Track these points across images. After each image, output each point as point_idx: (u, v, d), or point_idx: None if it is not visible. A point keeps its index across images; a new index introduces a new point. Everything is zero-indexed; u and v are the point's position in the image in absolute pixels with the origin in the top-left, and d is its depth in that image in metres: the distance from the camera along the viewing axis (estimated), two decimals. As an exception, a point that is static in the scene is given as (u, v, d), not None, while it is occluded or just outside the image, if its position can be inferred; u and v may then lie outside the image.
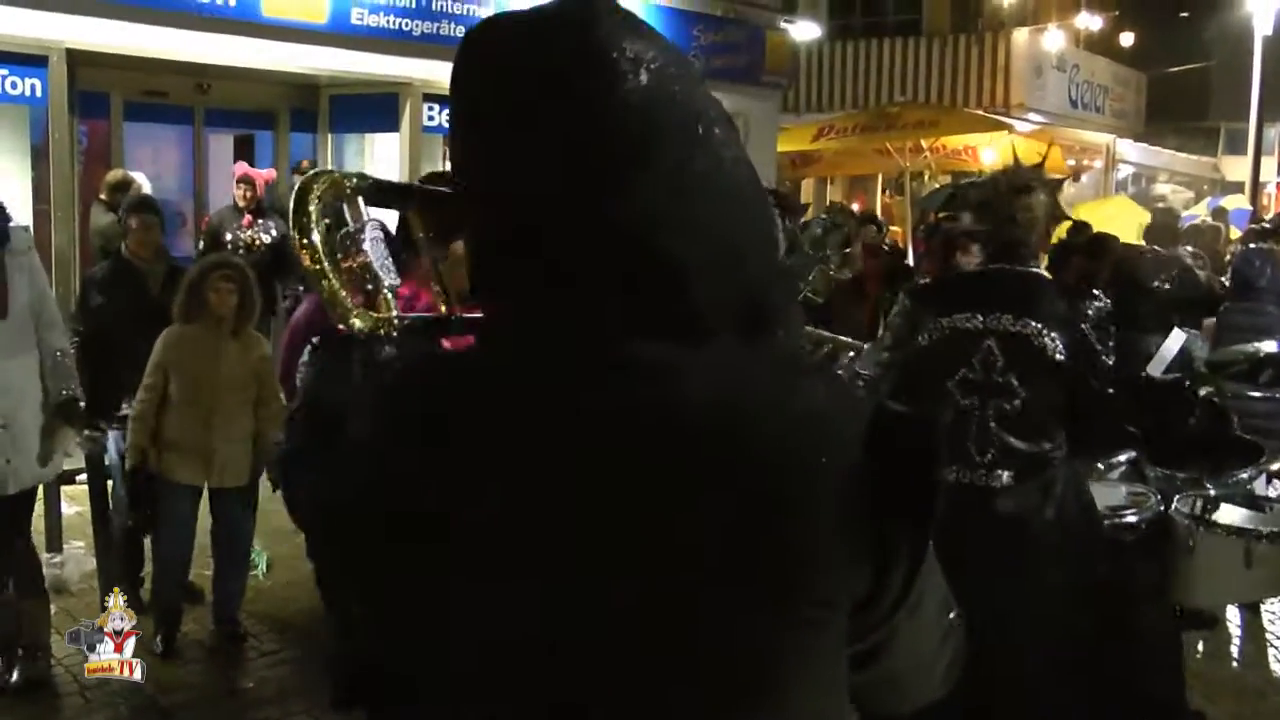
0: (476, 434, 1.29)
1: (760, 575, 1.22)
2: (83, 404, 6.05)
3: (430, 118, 13.61)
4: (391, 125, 13.57)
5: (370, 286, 1.95)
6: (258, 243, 10.79)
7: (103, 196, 10.75)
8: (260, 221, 10.89)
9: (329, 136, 13.98)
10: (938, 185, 21.38)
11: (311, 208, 1.74)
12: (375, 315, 1.65)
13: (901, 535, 1.28)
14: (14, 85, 10.94)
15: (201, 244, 11.05)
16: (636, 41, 1.31)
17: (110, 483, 6.88)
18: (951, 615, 1.48)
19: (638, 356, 1.26)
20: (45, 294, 6.01)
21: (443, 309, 2.08)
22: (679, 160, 1.29)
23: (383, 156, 14.10)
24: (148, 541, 6.82)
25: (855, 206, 18.68)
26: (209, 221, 11.27)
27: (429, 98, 13.49)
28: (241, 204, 10.95)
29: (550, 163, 1.28)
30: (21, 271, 5.83)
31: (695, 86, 1.35)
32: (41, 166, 11.30)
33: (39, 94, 11.06)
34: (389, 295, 1.98)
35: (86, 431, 6.43)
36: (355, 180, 1.78)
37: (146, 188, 11.14)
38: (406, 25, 12.78)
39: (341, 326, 1.74)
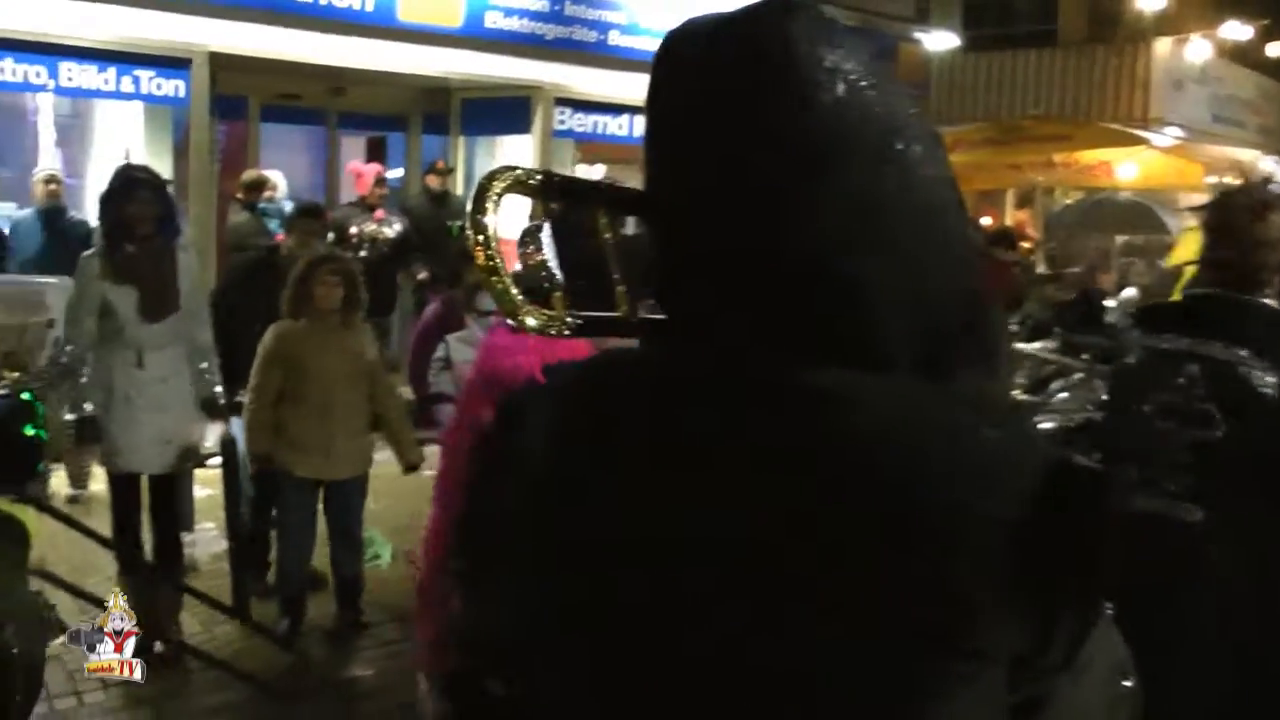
0: (645, 443, 1.26)
1: (916, 622, 1.15)
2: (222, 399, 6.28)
3: (561, 121, 13.70)
4: (522, 128, 13.67)
5: (545, 284, 1.94)
6: (381, 237, 10.95)
7: (239, 195, 11.02)
8: (385, 216, 11.06)
9: (460, 139, 14.14)
10: (1069, 201, 21.01)
11: (490, 203, 1.74)
12: (547, 313, 1.64)
13: (1069, 595, 1.20)
14: (159, 87, 11.27)
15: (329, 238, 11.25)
16: (835, 51, 1.24)
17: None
18: (1127, 683, 1.38)
19: (811, 384, 1.20)
20: (198, 289, 6.27)
21: (622, 310, 2.07)
22: (868, 179, 1.22)
23: (513, 160, 14.20)
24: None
25: (986, 221, 18.39)
26: (333, 217, 11.48)
27: (560, 101, 13.58)
28: (373, 200, 11.14)
29: (731, 176, 1.23)
30: (185, 268, 6.07)
31: (895, 101, 1.28)
32: (182, 165, 11.58)
33: (182, 95, 11.37)
34: (562, 294, 1.97)
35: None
36: (539, 176, 1.78)
37: (283, 187, 11.39)
38: (539, 29, 12.86)
39: (510, 324, 1.72)
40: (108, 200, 6.13)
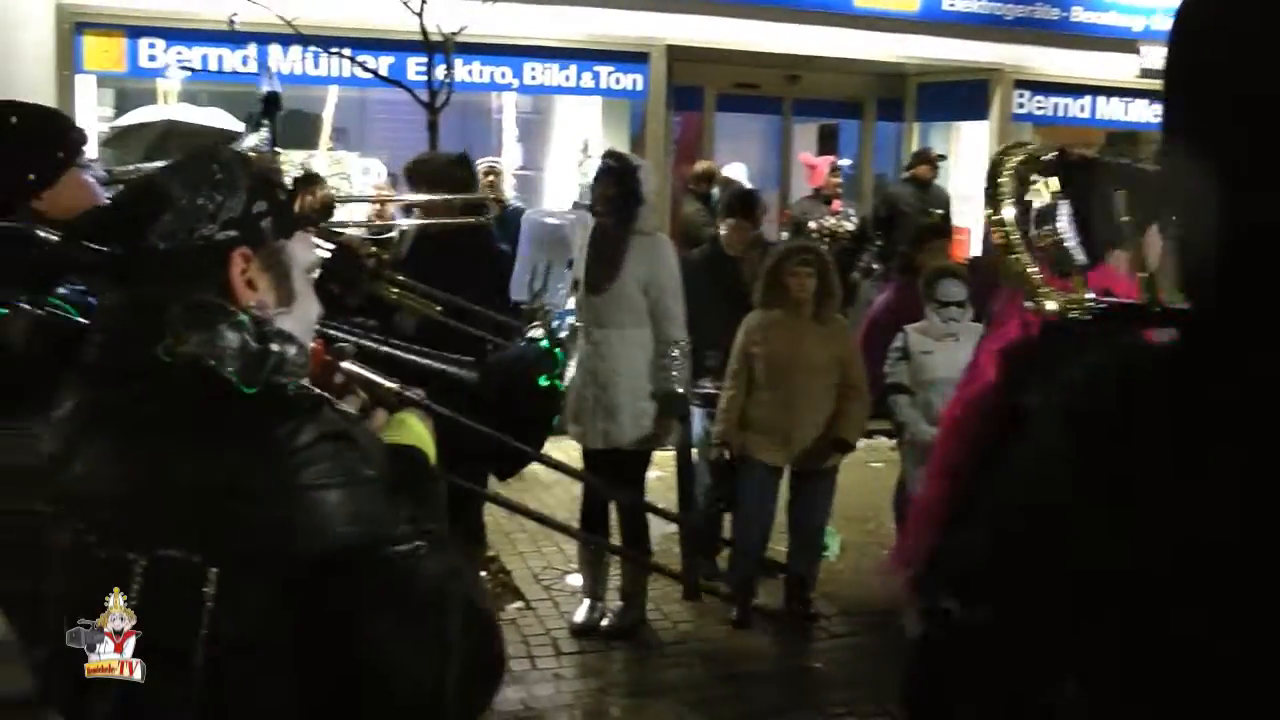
0: (1188, 444, 1.10)
1: None
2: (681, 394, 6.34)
3: (1020, 105, 13.20)
4: (980, 113, 13.26)
5: (1061, 267, 1.81)
6: (840, 231, 10.88)
7: (690, 186, 11.23)
8: (843, 209, 11.00)
9: (915, 125, 13.88)
10: None
11: (1004, 182, 1.60)
12: (1066, 296, 1.48)
13: None
14: (618, 81, 11.63)
15: (784, 234, 11.27)
16: None
17: (694, 452, 7.10)
18: None
19: None
20: (663, 283, 6.26)
21: (1146, 297, 1.87)
22: None
23: (969, 145, 13.84)
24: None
25: None
26: (789, 214, 11.48)
27: (1020, 84, 13.09)
28: (828, 192, 11.10)
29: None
30: (642, 251, 6.19)
31: None
32: (637, 156, 11.90)
33: (640, 88, 11.68)
34: (1081, 277, 1.82)
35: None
36: (1049, 155, 1.63)
37: (742, 179, 11.51)
38: (999, 9, 12.45)
39: (1029, 306, 1.58)
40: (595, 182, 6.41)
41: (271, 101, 4.49)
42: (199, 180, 1.78)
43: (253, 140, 4.46)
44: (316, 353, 2.06)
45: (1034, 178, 1.88)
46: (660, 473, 7.33)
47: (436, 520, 1.94)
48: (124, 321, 1.79)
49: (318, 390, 1.86)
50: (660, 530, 7.40)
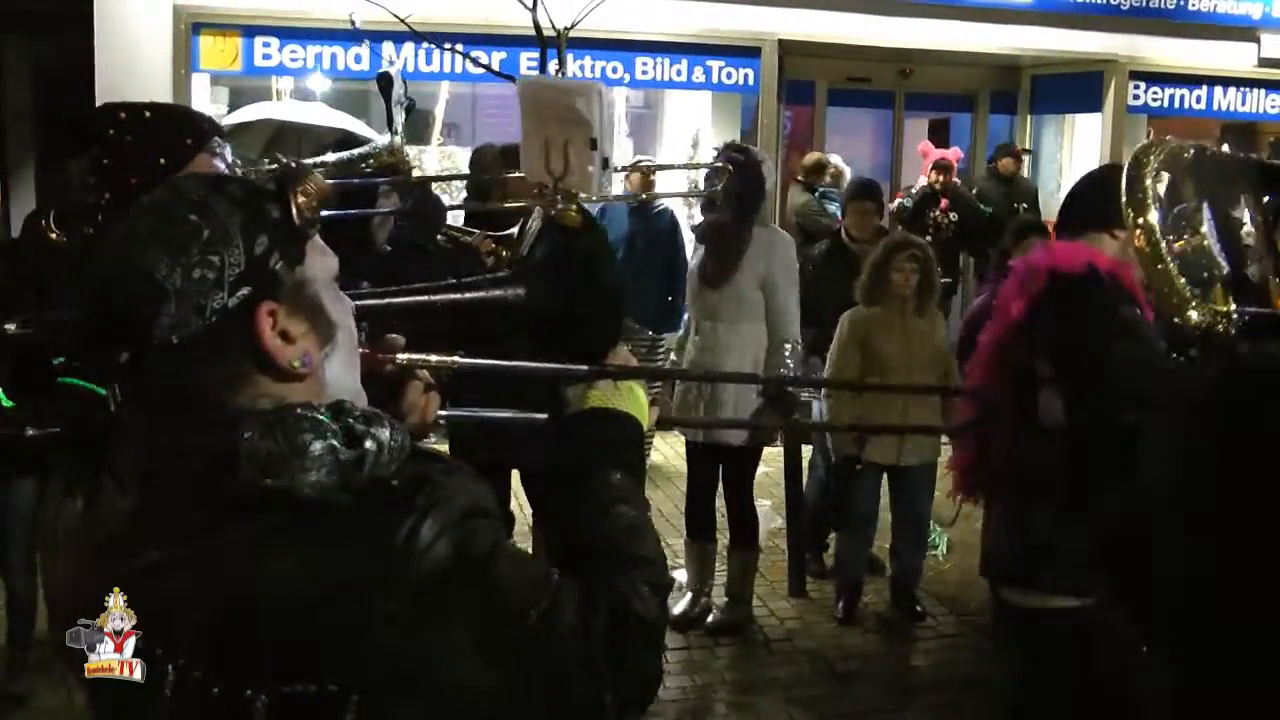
0: None
1: None
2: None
3: (1135, 96, 12.96)
4: (1094, 105, 13.04)
5: (1206, 273, 1.72)
6: (947, 223, 10.82)
7: (799, 178, 11.20)
8: (950, 201, 10.94)
9: (1028, 118, 13.71)
10: None
11: (1147, 183, 1.55)
12: (1214, 308, 1.43)
13: None
14: (729, 75, 11.62)
15: (902, 201, 11.26)
16: None
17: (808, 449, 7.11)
18: None
19: None
20: (779, 279, 6.25)
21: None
22: None
23: (1083, 138, 13.63)
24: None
25: None
26: (899, 202, 11.40)
27: (1135, 75, 12.85)
28: (937, 186, 11.03)
29: None
30: (761, 245, 6.21)
31: None
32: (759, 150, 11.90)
33: (751, 83, 11.66)
34: (1222, 286, 1.74)
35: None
36: (1192, 153, 1.58)
37: (844, 170, 11.47)
38: None
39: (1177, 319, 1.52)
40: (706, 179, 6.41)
41: (384, 82, 4.46)
42: (186, 246, 1.52)
43: (384, 139, 4.50)
44: (365, 357, 1.88)
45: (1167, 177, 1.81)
46: (767, 468, 7.33)
47: (632, 487, 1.92)
48: (174, 426, 1.57)
49: (422, 450, 1.62)
50: (765, 526, 7.41)
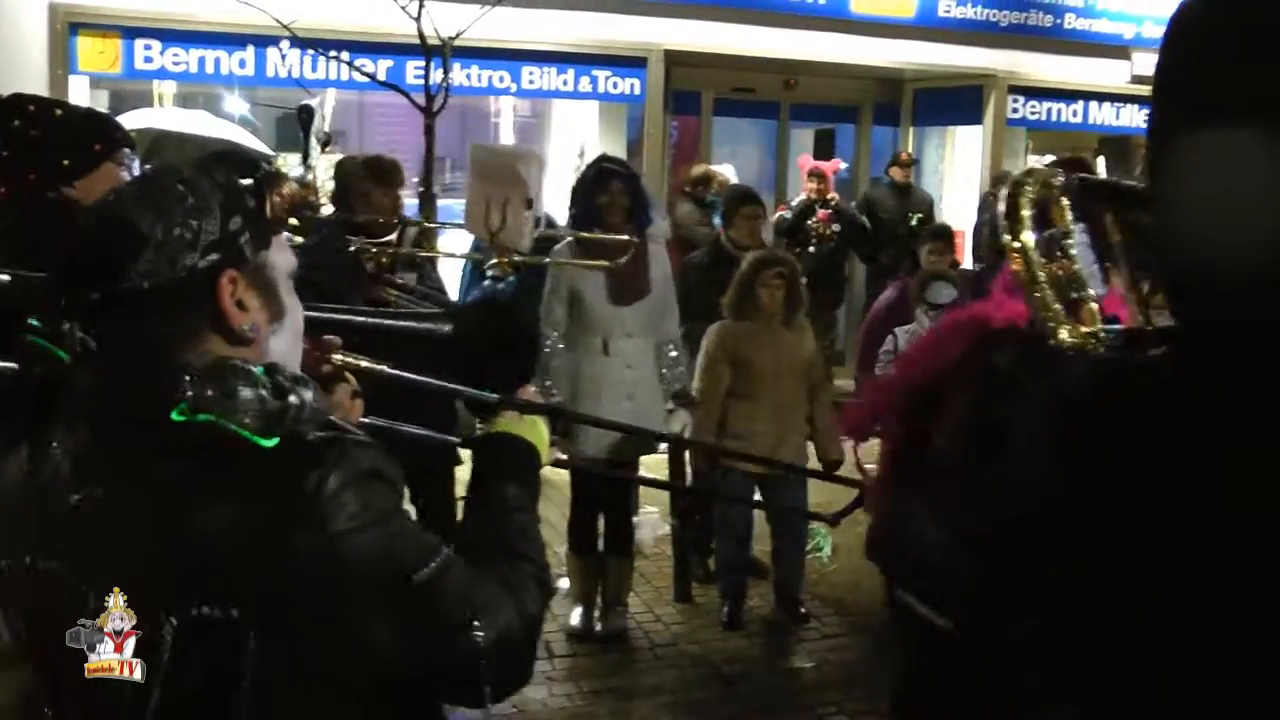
0: (1184, 459, 1.12)
1: None
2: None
3: (1014, 110, 13.28)
4: (974, 118, 13.32)
5: (1075, 295, 1.79)
6: (828, 234, 10.96)
7: (686, 189, 11.28)
8: (830, 213, 11.06)
9: (910, 130, 13.94)
10: None
11: (1025, 209, 1.60)
12: (1084, 329, 1.50)
13: None
14: (615, 85, 11.66)
15: (768, 239, 11.34)
16: None
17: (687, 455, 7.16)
18: None
19: None
20: (670, 284, 6.41)
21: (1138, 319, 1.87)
22: None
23: (964, 150, 13.91)
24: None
25: None
26: (780, 215, 11.52)
27: (1014, 89, 13.16)
28: (814, 197, 11.15)
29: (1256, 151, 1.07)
30: (656, 259, 6.26)
31: None
32: (634, 162, 11.93)
33: (637, 93, 11.72)
34: (1094, 307, 1.81)
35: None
36: (1062, 178, 1.64)
37: (733, 180, 11.57)
38: (993, 16, 12.52)
39: (1051, 342, 1.58)
40: (580, 190, 6.36)
41: (305, 115, 4.56)
42: (170, 208, 1.74)
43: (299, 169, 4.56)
44: (305, 351, 2.08)
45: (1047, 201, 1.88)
46: (654, 475, 7.37)
47: (527, 501, 2.16)
48: (126, 371, 1.77)
49: (338, 423, 1.83)
50: (652, 533, 7.45)
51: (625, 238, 5.48)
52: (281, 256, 1.89)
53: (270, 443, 1.67)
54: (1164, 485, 1.11)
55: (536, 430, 2.32)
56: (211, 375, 1.68)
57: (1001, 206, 1.80)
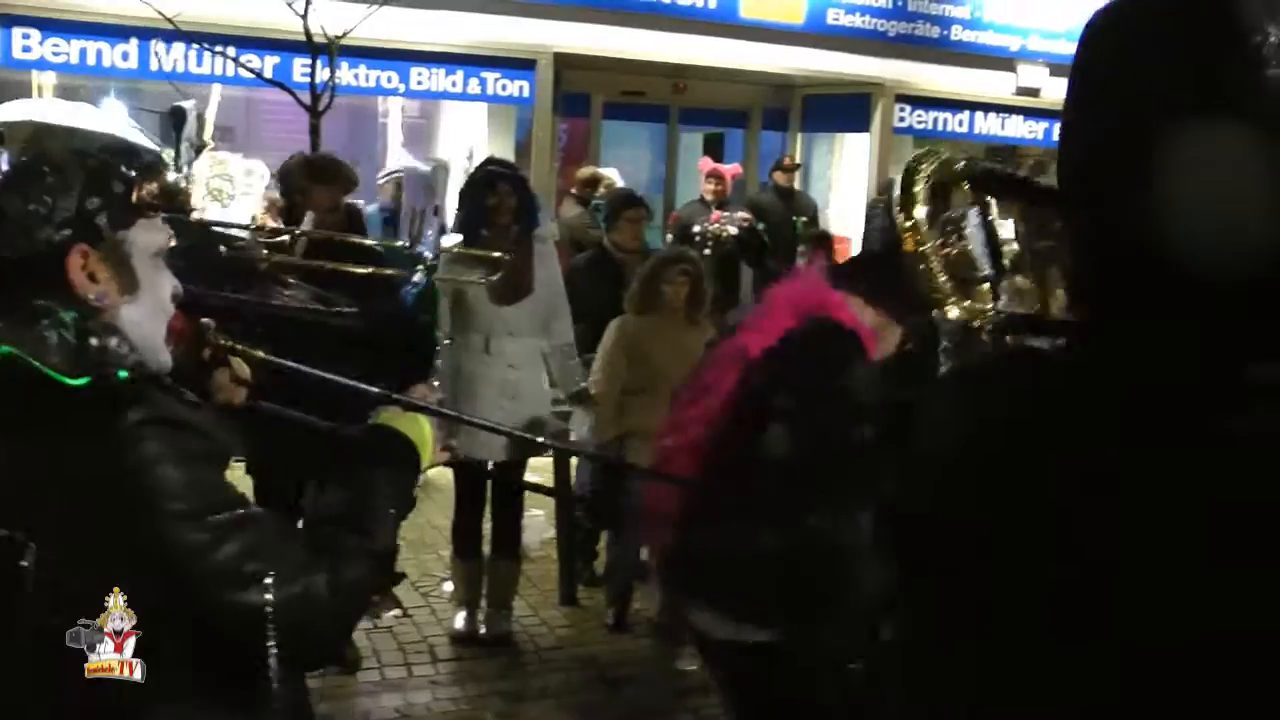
0: (1077, 444, 1.15)
1: None
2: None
3: (901, 118, 13.48)
4: (862, 125, 13.50)
5: (967, 275, 1.84)
6: (724, 235, 10.98)
7: (573, 191, 11.26)
8: (727, 215, 11.09)
9: (799, 136, 14.08)
10: None
11: (918, 188, 1.63)
12: (971, 305, 1.54)
13: None
14: (504, 87, 11.66)
15: (669, 237, 11.35)
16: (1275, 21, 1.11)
17: (574, 458, 7.14)
18: None
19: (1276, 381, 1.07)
20: (560, 287, 6.38)
21: (1037, 307, 1.93)
22: None
23: (852, 156, 14.07)
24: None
25: None
26: (678, 217, 11.56)
27: (901, 98, 13.36)
28: (710, 199, 11.19)
29: (1166, 163, 1.11)
30: (543, 259, 6.24)
31: None
32: (523, 163, 11.90)
33: (526, 95, 11.72)
34: (986, 287, 1.87)
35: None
36: (964, 164, 1.67)
37: (620, 183, 11.58)
38: (882, 25, 12.70)
39: (936, 313, 1.64)
40: (467, 191, 6.33)
41: (177, 117, 4.53)
42: (31, 187, 1.93)
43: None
44: (179, 330, 2.21)
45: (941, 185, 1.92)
46: (539, 478, 7.36)
47: (392, 494, 2.21)
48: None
49: (151, 372, 1.98)
50: (538, 536, 7.42)
51: (497, 254, 5.40)
52: (146, 237, 2.04)
53: (79, 382, 1.84)
54: (1077, 479, 1.14)
55: (418, 428, 2.37)
56: (21, 317, 1.88)
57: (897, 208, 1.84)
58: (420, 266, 5.77)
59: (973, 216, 1.91)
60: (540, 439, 5.92)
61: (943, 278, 1.59)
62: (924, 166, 1.79)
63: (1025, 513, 1.16)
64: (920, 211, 1.73)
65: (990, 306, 1.70)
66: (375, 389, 2.41)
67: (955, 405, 1.30)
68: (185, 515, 1.85)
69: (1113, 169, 1.17)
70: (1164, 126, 1.11)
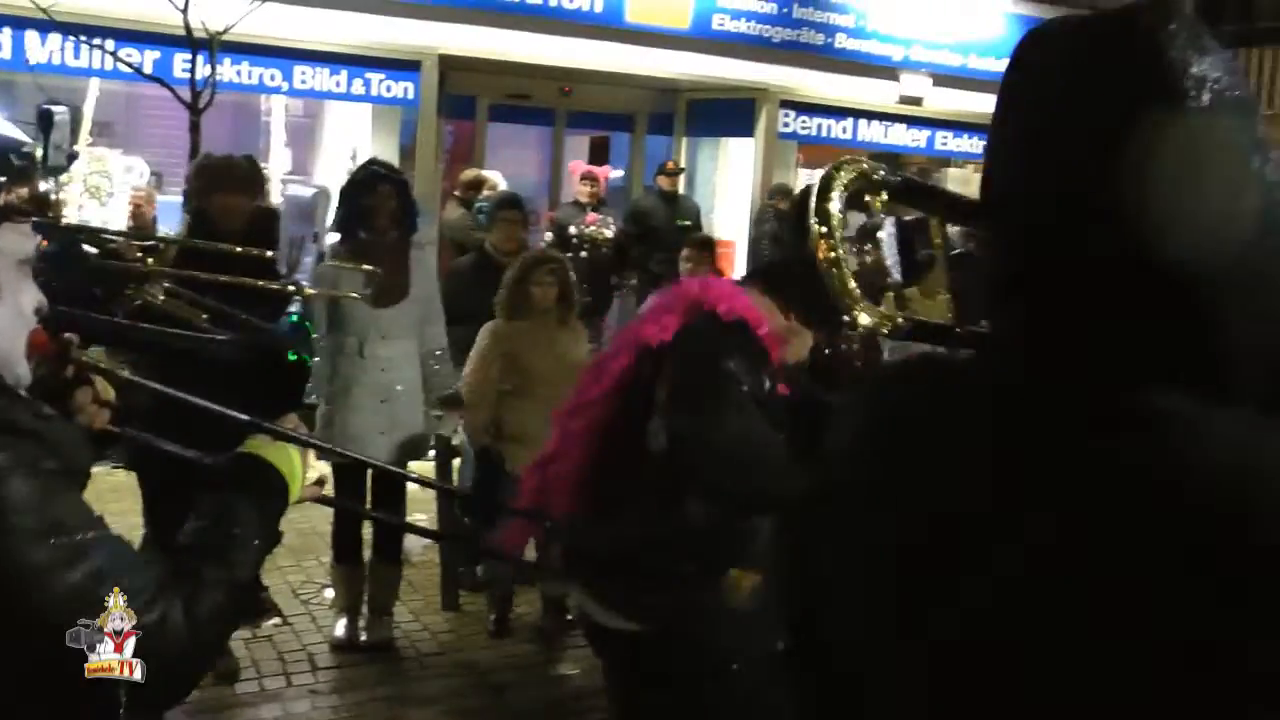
0: (962, 452, 1.19)
1: (1235, 674, 1.03)
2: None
3: (785, 124, 13.63)
4: (746, 130, 13.62)
5: (879, 282, 1.88)
6: (600, 238, 11.04)
7: (457, 193, 11.23)
8: (602, 217, 11.15)
9: (684, 140, 14.17)
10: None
11: (835, 195, 1.66)
12: (880, 312, 1.57)
13: None
14: (389, 89, 11.59)
15: (549, 235, 11.38)
16: (1203, 59, 1.16)
17: (456, 462, 7.12)
18: None
19: (1155, 407, 1.11)
20: (435, 291, 6.38)
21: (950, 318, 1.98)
22: (1227, 195, 1.14)
23: (736, 161, 14.18)
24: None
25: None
26: (554, 218, 11.59)
27: (785, 104, 13.51)
28: (585, 200, 11.23)
29: (1086, 181, 1.16)
30: (419, 264, 6.25)
31: (1250, 115, 1.20)
32: (408, 166, 11.83)
33: (411, 96, 11.67)
34: (896, 295, 1.91)
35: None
36: (883, 174, 1.70)
37: (502, 186, 11.58)
38: (767, 32, 12.78)
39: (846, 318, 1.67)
40: (348, 191, 6.29)
41: (44, 120, 4.45)
42: None
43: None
44: (41, 344, 2.13)
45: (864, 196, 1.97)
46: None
47: (255, 521, 2.15)
48: None
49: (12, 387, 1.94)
50: (420, 541, 7.38)
51: (368, 267, 5.39)
52: (11, 241, 1.98)
53: None
54: (958, 485, 1.18)
55: (289, 459, 2.32)
56: None
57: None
58: (298, 296, 5.71)
59: (888, 225, 1.96)
60: (401, 471, 5.88)
61: (853, 285, 1.63)
62: (842, 174, 1.83)
63: (912, 516, 1.20)
64: (835, 219, 1.78)
65: (897, 315, 1.75)
66: (244, 416, 2.36)
67: (855, 409, 1.34)
68: (33, 533, 1.76)
69: (1042, 189, 1.20)
70: (1093, 154, 1.15)
